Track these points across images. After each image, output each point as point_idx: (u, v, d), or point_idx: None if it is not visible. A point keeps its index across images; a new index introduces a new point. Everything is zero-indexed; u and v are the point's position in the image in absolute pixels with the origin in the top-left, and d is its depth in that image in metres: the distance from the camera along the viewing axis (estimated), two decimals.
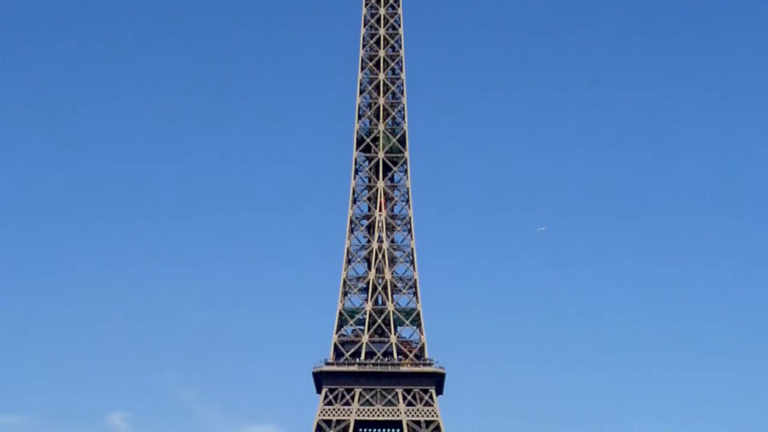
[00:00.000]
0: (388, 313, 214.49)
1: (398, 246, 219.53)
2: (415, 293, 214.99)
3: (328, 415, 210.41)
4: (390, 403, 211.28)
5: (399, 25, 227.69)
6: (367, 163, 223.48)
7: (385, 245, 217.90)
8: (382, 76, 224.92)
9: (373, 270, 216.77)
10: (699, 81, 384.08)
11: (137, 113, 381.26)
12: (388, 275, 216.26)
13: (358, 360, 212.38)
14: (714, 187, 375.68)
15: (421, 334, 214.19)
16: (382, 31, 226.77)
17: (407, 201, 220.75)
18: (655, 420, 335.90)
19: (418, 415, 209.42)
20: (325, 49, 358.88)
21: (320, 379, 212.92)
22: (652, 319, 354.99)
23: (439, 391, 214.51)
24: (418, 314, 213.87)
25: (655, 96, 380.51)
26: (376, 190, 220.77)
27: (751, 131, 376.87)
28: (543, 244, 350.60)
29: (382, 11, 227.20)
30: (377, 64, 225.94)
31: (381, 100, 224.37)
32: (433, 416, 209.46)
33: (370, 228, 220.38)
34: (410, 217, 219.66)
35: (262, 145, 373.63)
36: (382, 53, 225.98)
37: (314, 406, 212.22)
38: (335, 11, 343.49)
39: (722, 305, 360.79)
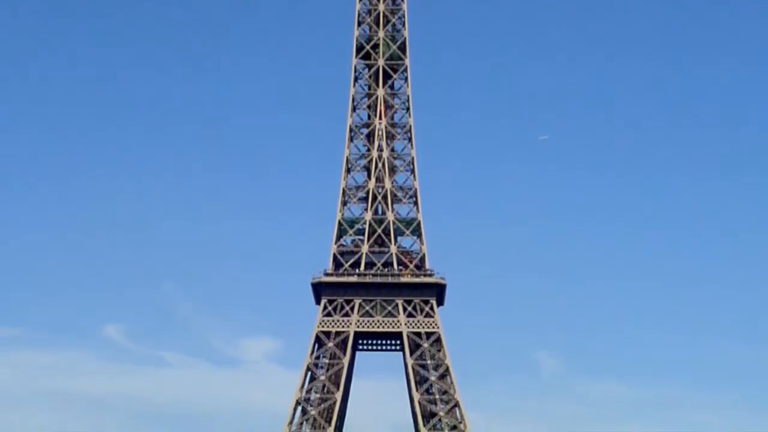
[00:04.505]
0: (388, 222, 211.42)
1: (398, 154, 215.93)
2: (416, 202, 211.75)
3: (327, 326, 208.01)
4: (390, 314, 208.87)
5: None
6: (366, 70, 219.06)
7: (385, 154, 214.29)
8: None
9: (373, 179, 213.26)
10: None
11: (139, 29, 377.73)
12: (388, 184, 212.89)
13: (357, 270, 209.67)
14: (717, 95, 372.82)
15: (422, 244, 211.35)
16: None
17: (407, 109, 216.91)
18: (655, 329, 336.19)
19: (418, 327, 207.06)
20: None
21: (319, 290, 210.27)
22: (655, 227, 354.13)
23: (440, 302, 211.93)
24: (418, 224, 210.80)
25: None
26: (376, 98, 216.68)
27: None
28: (545, 152, 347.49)
29: None
30: None
31: (381, 6, 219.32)
32: (433, 327, 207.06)
33: (370, 136, 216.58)
34: (411, 125, 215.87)
35: (260, 52, 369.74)
36: None
37: (313, 317, 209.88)
38: None
39: (729, 215, 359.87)
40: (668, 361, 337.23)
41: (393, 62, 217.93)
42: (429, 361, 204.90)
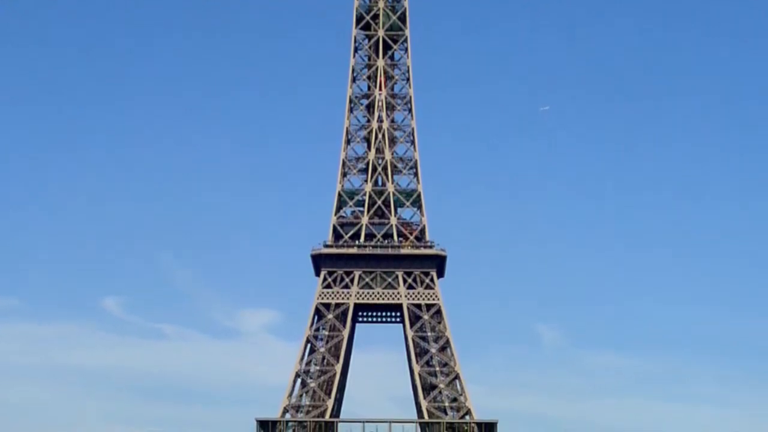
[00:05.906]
0: (388, 194, 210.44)
1: (398, 125, 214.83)
2: (416, 174, 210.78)
3: (327, 298, 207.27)
4: (390, 286, 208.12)
5: None
6: (366, 41, 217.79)
7: (385, 125, 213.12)
8: None
9: (373, 150, 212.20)
10: None
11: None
12: (388, 155, 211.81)
13: (357, 242, 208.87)
14: (720, 69, 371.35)
15: (422, 215, 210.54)
16: None
17: (408, 80, 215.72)
18: (655, 301, 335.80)
19: (418, 298, 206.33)
20: None
21: (319, 261, 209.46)
22: (655, 199, 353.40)
23: (441, 274, 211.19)
24: (418, 195, 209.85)
25: None
26: (376, 69, 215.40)
27: None
28: (545, 123, 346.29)
29: None
30: None
31: None
32: (434, 299, 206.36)
33: (370, 107, 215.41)
34: (411, 96, 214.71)
35: (259, 23, 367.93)
36: None
37: (312, 289, 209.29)
38: None
39: (729, 184, 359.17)
40: (668, 333, 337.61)
41: (393, 33, 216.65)
42: (429, 333, 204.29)
